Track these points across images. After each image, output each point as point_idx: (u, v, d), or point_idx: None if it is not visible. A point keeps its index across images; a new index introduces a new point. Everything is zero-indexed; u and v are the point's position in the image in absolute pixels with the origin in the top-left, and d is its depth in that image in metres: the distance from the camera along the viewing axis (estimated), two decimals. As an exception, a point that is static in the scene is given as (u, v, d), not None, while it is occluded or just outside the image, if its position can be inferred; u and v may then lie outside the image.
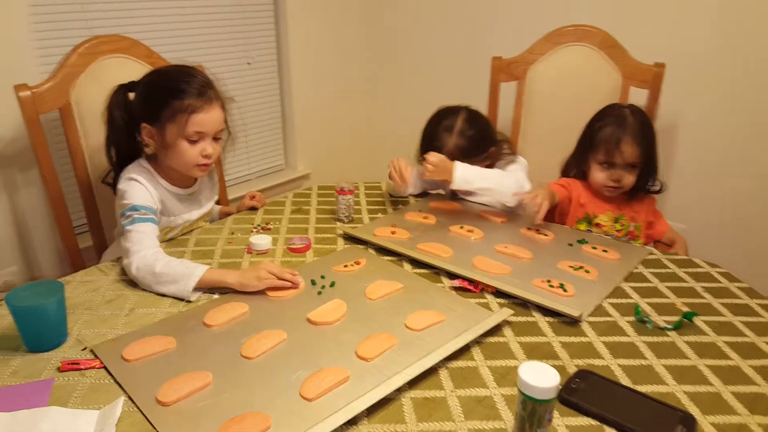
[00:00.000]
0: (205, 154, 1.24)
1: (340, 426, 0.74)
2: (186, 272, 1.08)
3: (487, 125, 1.56)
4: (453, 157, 1.44)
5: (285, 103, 2.54)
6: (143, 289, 1.10)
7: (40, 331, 0.91)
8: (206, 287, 1.09)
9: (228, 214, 1.52)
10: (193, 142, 1.22)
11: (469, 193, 1.53)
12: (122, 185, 1.23)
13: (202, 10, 2.12)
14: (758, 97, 1.79)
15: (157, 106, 1.20)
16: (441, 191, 1.66)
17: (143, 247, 1.14)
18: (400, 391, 0.82)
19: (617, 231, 1.50)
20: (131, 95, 1.27)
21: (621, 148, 1.43)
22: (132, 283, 1.12)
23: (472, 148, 1.47)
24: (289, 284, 1.08)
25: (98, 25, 1.83)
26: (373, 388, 0.81)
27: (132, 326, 0.98)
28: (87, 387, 0.83)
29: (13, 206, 1.75)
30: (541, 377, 0.70)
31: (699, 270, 1.19)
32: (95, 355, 0.90)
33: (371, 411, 0.79)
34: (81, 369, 0.87)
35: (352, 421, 0.76)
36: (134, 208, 1.18)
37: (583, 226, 1.49)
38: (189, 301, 1.06)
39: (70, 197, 1.62)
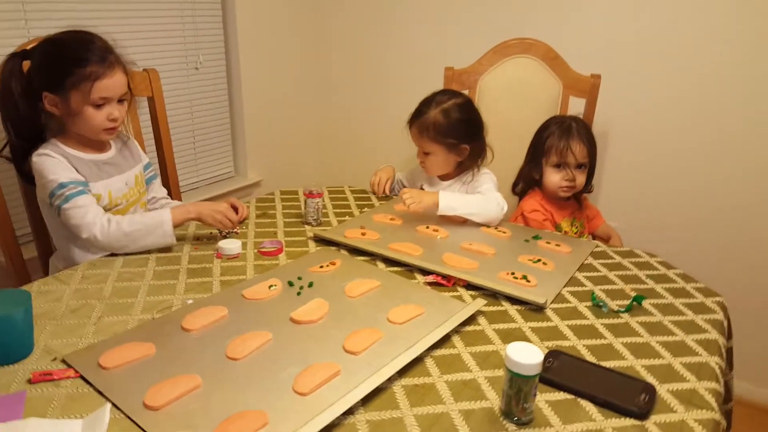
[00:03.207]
0: (112, 118, 1.27)
1: (338, 417, 0.77)
2: (156, 219, 1.23)
3: (476, 121, 1.58)
4: (423, 131, 1.52)
5: (234, 109, 2.49)
6: (109, 297, 1.07)
7: (7, 343, 0.86)
8: (178, 225, 1.26)
9: None
10: (98, 107, 1.24)
11: None
12: (36, 163, 1.23)
13: (148, 12, 2.06)
14: (681, 106, 1.97)
15: (59, 74, 1.21)
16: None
17: (94, 215, 1.19)
18: (390, 380, 0.85)
19: (574, 233, 1.62)
20: (25, 64, 1.27)
21: (572, 148, 1.55)
22: (96, 291, 1.09)
23: (447, 130, 1.51)
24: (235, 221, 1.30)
25: (38, 26, 1.75)
26: (365, 379, 0.83)
27: (103, 334, 0.95)
28: (64, 397, 0.80)
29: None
30: (526, 355, 0.76)
31: (640, 260, 1.31)
32: (68, 365, 0.86)
33: (365, 401, 0.81)
34: (55, 379, 0.83)
35: (348, 412, 0.79)
36: (62, 186, 1.21)
37: None
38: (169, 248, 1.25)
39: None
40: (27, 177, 1.30)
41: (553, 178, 1.60)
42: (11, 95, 1.24)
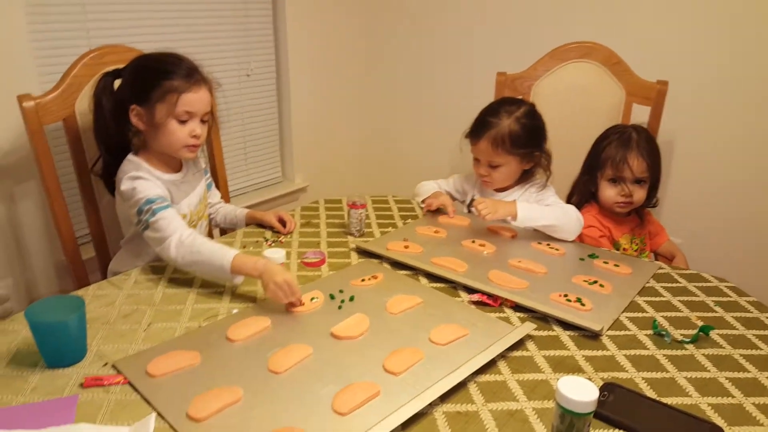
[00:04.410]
0: (195, 135, 1.26)
1: (377, 441, 0.74)
2: (219, 253, 1.11)
3: (544, 128, 1.52)
4: (498, 143, 1.44)
5: (283, 115, 2.53)
6: (159, 303, 1.09)
7: (62, 347, 0.89)
8: (238, 273, 1.11)
9: (254, 218, 1.50)
10: (182, 122, 1.24)
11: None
12: (125, 186, 1.23)
13: (202, 21, 2.12)
14: (757, 118, 1.84)
15: (146, 86, 1.22)
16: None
17: (176, 228, 1.17)
18: (431, 405, 0.82)
19: (634, 251, 1.54)
20: (116, 82, 1.29)
21: (629, 162, 1.46)
22: (148, 297, 1.11)
23: (522, 138, 1.44)
24: (290, 301, 1.06)
25: (98, 35, 1.82)
26: (405, 402, 0.80)
27: (152, 341, 0.96)
28: (113, 403, 0.82)
29: (9, 219, 1.71)
30: (580, 391, 0.71)
31: (708, 284, 1.22)
32: (118, 371, 0.88)
33: (405, 425, 0.78)
34: (105, 385, 0.85)
35: (387, 436, 0.76)
36: (150, 201, 1.19)
37: None
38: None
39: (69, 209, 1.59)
40: (114, 191, 1.33)
41: (609, 192, 1.52)
42: (102, 111, 1.28)
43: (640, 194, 1.50)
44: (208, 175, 1.52)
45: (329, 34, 2.58)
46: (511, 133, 1.44)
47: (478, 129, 1.48)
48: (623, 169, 1.48)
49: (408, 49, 2.60)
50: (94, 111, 1.30)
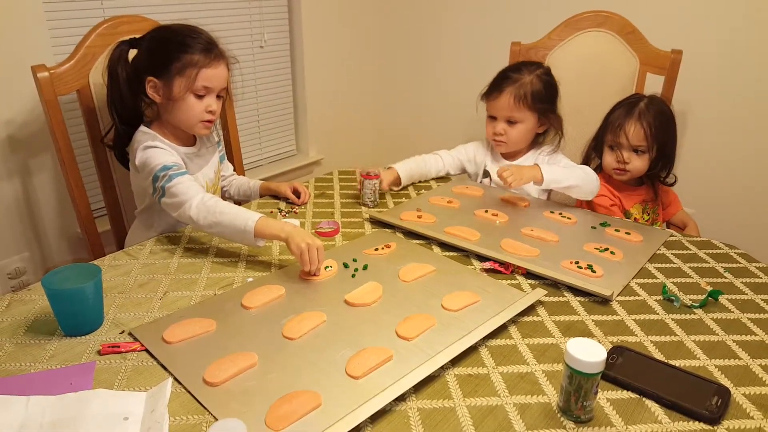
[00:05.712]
0: (211, 110, 1.26)
1: (390, 403, 0.76)
2: (242, 217, 1.11)
3: (559, 91, 1.53)
4: (519, 98, 1.45)
5: (297, 88, 2.52)
6: (175, 273, 1.11)
7: (79, 315, 0.91)
8: (263, 237, 1.12)
9: (269, 189, 1.52)
10: (199, 96, 1.24)
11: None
12: (140, 156, 1.23)
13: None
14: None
15: (165, 59, 1.21)
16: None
17: (197, 191, 1.17)
18: (443, 368, 0.84)
19: (645, 221, 1.53)
20: (132, 52, 1.28)
21: (625, 128, 1.46)
22: (163, 266, 1.13)
23: (543, 94, 1.46)
24: (309, 270, 1.07)
25: (112, 5, 1.82)
26: (417, 366, 0.82)
27: (167, 309, 0.99)
28: (130, 369, 0.84)
29: (24, 192, 1.74)
30: (588, 352, 0.72)
31: (718, 251, 1.22)
32: (134, 338, 0.90)
33: (417, 388, 0.80)
34: (122, 352, 0.87)
35: (400, 398, 0.78)
36: (166, 167, 1.20)
37: None
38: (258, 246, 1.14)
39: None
40: (125, 162, 1.35)
41: (607, 159, 1.53)
42: (117, 80, 1.27)
43: (637, 163, 1.49)
44: (221, 147, 1.52)
45: (343, 4, 2.55)
46: (534, 88, 1.45)
47: (500, 83, 1.48)
48: (620, 135, 1.48)
49: (423, 20, 2.56)
50: (108, 79, 1.29)
